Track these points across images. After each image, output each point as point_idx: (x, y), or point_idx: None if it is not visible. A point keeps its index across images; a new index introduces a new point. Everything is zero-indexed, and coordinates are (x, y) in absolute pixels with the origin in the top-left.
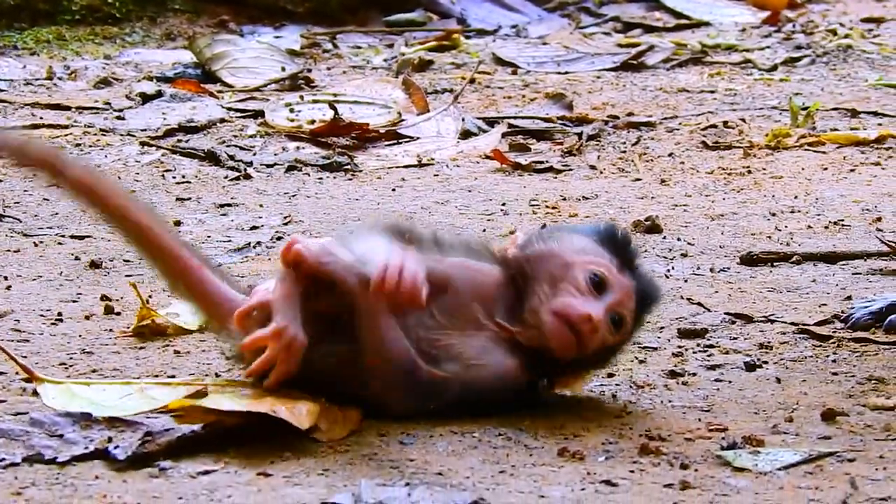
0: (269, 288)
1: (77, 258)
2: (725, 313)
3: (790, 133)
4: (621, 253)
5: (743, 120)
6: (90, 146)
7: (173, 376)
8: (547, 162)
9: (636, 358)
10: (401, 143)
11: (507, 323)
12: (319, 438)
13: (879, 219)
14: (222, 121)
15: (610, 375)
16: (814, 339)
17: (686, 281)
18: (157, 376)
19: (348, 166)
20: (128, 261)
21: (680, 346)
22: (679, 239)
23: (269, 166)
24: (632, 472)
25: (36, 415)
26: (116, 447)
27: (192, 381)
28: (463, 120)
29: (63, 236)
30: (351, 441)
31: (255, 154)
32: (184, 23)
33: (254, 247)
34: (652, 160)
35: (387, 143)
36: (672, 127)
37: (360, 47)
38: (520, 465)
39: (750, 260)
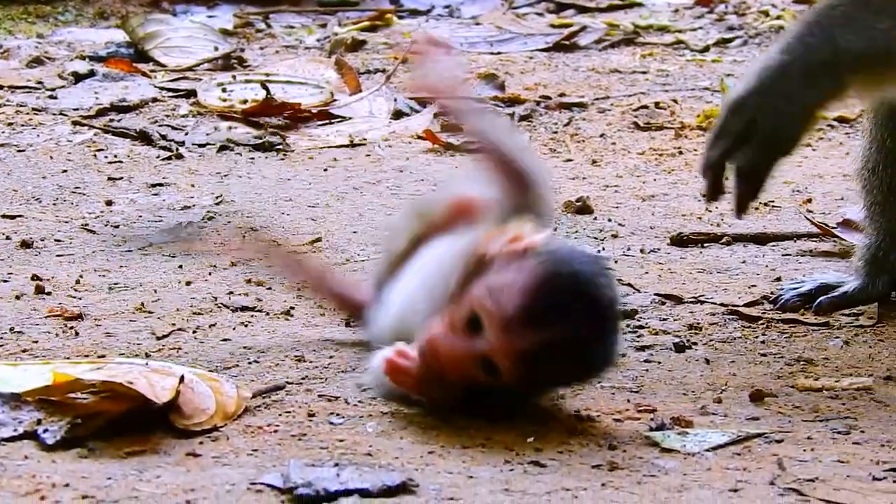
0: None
1: (8, 238)
2: (655, 294)
3: None
4: (535, 312)
5: (675, 101)
6: (22, 125)
7: (103, 356)
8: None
9: None
10: (333, 123)
11: None
12: (176, 424)
13: (809, 200)
14: (154, 100)
15: None
16: (743, 320)
17: (616, 262)
18: (87, 356)
19: (280, 146)
20: (59, 240)
21: None
22: (610, 220)
23: (201, 146)
24: (560, 452)
25: None
26: (45, 430)
27: (97, 360)
28: (395, 100)
29: None
30: (280, 421)
31: (187, 134)
32: (117, 2)
33: (185, 226)
34: (583, 141)
35: (319, 123)
36: (604, 108)
37: (293, 27)
38: (449, 446)
39: (680, 241)
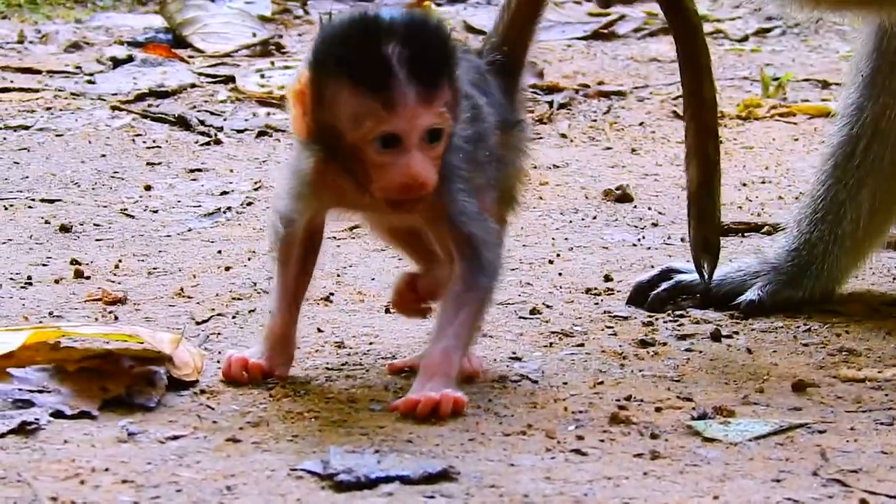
0: None
1: (47, 222)
2: None
3: (761, 104)
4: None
5: None
6: (61, 110)
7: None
8: None
9: (607, 327)
10: None
11: None
12: (173, 373)
13: None
14: (193, 86)
15: (580, 345)
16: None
17: (657, 250)
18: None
19: None
20: (98, 225)
21: (650, 316)
22: (650, 208)
23: (239, 132)
24: (602, 441)
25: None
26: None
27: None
28: None
29: (33, 200)
30: (320, 407)
31: (225, 119)
32: None
33: (224, 212)
34: (622, 129)
35: None
36: (643, 96)
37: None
38: (490, 434)
39: (721, 230)
